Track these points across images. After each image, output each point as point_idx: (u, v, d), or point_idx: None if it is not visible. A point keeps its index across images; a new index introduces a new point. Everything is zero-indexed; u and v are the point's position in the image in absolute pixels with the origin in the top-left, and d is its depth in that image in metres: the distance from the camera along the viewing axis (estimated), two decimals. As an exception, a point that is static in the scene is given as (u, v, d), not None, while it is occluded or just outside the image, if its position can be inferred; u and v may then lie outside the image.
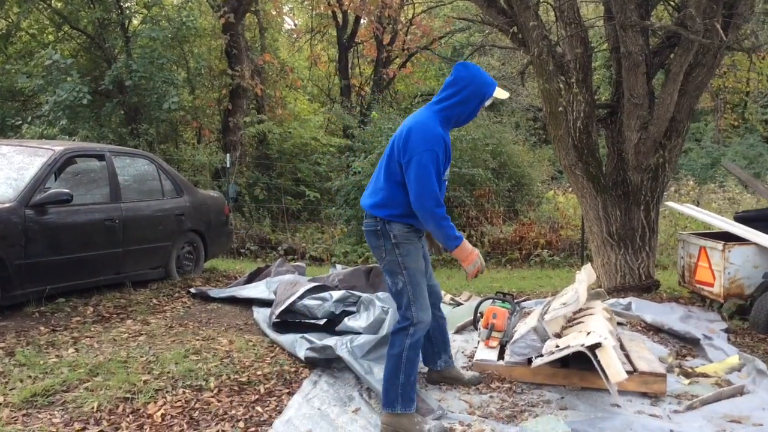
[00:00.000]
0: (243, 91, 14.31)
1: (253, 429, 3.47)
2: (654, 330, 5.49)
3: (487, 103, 3.61)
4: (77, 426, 3.40)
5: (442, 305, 4.22)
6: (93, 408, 3.62)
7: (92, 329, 5.18)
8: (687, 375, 4.40)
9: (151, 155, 7.49)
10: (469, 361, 4.62)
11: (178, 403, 3.74)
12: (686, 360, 4.84)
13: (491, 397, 3.96)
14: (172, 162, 11.91)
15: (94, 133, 11.73)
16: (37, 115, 12.14)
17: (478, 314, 5.29)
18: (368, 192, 3.68)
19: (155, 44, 12.22)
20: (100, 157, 6.48)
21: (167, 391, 3.89)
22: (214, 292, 6.45)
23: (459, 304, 6.31)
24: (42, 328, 5.11)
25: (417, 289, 3.52)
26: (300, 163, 14.80)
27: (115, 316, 5.62)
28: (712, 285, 6.17)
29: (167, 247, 6.93)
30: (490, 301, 5.18)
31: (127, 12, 13.03)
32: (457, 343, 5.10)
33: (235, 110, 14.34)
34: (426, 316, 3.55)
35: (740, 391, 4.01)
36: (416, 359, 3.54)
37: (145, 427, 3.45)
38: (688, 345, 5.17)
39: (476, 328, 5.38)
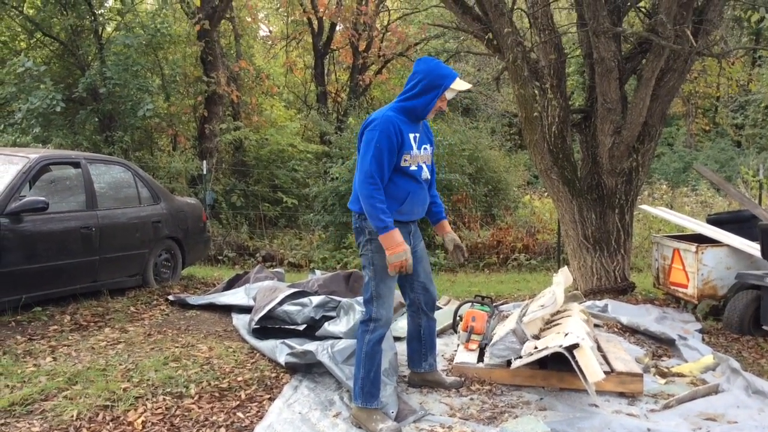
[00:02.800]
0: (219, 97, 14.25)
1: (234, 435, 3.46)
2: (630, 331, 5.57)
3: (449, 95, 3.70)
4: (56, 435, 3.37)
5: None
6: (72, 416, 3.59)
7: (70, 338, 5.13)
8: (663, 375, 4.48)
9: (126, 162, 7.43)
10: (449, 364, 4.65)
11: (159, 410, 3.72)
12: (662, 360, 4.92)
13: (471, 399, 4.00)
14: (147, 169, 11.82)
15: (68, 140, 11.61)
16: (10, 122, 11.99)
17: (458, 318, 5.34)
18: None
19: (129, 51, 12.11)
20: (76, 165, 6.42)
21: (147, 399, 3.87)
22: (193, 299, 6.42)
23: (438, 308, 6.34)
24: (19, 337, 5.05)
25: (382, 287, 3.62)
26: (277, 169, 14.78)
27: (92, 324, 5.57)
28: (686, 286, 6.28)
29: (144, 255, 6.88)
30: (469, 304, 5.22)
31: (101, 19, 12.90)
32: (437, 346, 5.10)
33: (211, 117, 14.28)
34: (386, 314, 3.64)
35: (715, 390, 4.09)
36: (376, 356, 3.62)
37: (125, 434, 3.43)
38: (663, 345, 5.26)
39: (456, 332, 5.42)
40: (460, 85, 3.67)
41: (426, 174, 3.81)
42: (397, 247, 3.47)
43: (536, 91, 6.79)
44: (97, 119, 12.39)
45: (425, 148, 3.79)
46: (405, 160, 3.63)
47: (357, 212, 3.72)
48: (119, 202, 6.78)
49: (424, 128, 3.84)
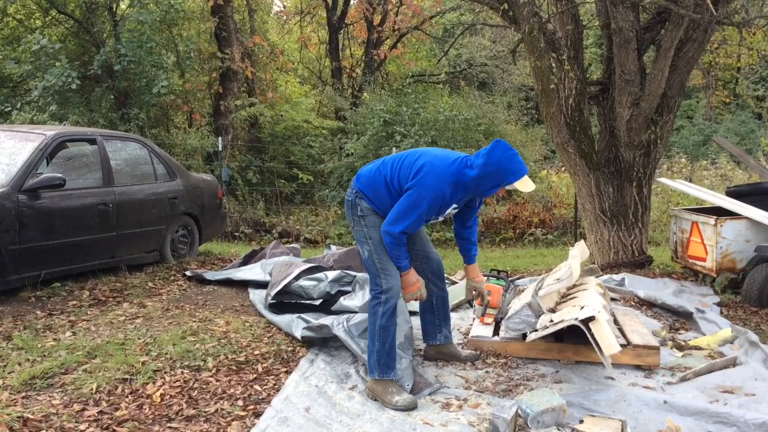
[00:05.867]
0: (233, 74, 14.22)
1: (251, 407, 3.50)
2: (647, 305, 5.54)
3: (509, 188, 3.65)
4: (77, 407, 3.42)
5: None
6: (92, 389, 3.64)
7: (89, 313, 5.19)
8: (680, 348, 4.46)
9: (142, 139, 7.45)
10: (465, 338, 4.65)
11: (177, 383, 3.77)
12: (679, 333, 4.90)
13: (487, 372, 4.01)
14: (163, 146, 11.84)
15: (84, 118, 11.66)
16: (27, 101, 12.06)
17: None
18: (366, 166, 3.90)
19: (143, 28, 12.10)
20: (92, 141, 6.44)
21: (166, 372, 3.92)
22: (210, 275, 6.46)
23: (454, 282, 6.34)
24: (38, 312, 5.12)
25: (383, 258, 3.67)
26: (292, 146, 14.76)
27: (111, 299, 5.63)
28: (704, 260, 6.22)
29: (161, 231, 6.93)
30: (485, 278, 5.21)
31: (115, -5, 12.89)
32: (453, 320, 5.08)
33: (226, 93, 14.27)
34: (395, 283, 3.68)
35: (732, 363, 4.06)
36: (390, 327, 3.67)
37: (144, 407, 3.47)
38: (681, 319, 5.22)
39: (471, 306, 5.42)
40: (524, 186, 3.57)
41: (435, 219, 3.85)
42: (412, 286, 3.73)
43: (553, 63, 6.69)
44: (112, 96, 12.42)
45: (456, 207, 3.79)
46: (430, 218, 3.71)
47: (357, 189, 3.76)
48: (136, 179, 6.81)
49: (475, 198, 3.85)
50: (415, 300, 3.79)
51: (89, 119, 11.78)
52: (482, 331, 4.49)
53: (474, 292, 4.19)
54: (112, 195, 6.31)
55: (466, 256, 4.11)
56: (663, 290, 5.94)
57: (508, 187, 3.62)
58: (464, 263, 4.17)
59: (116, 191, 6.37)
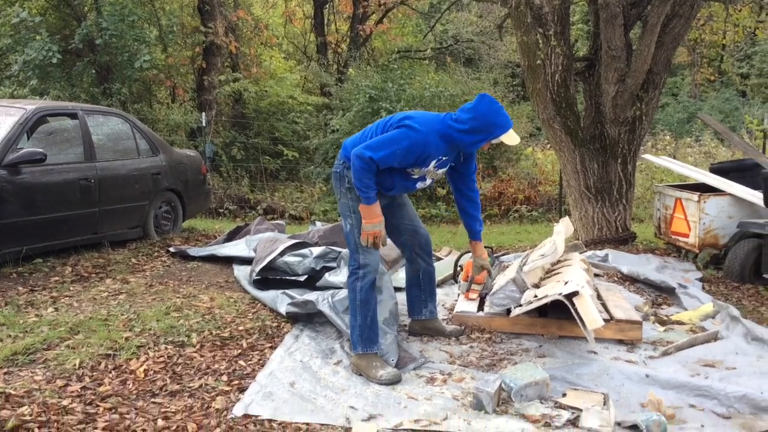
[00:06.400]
0: (217, 48, 14.04)
1: (236, 382, 3.49)
2: (630, 280, 5.58)
3: (494, 141, 3.63)
4: (60, 383, 3.39)
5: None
6: (75, 365, 3.61)
7: (71, 288, 5.14)
8: (662, 322, 4.50)
9: (124, 114, 7.36)
10: (450, 313, 4.67)
11: (161, 359, 3.75)
12: (661, 308, 4.94)
13: (471, 347, 4.03)
14: (146, 122, 11.71)
15: (65, 93, 11.50)
16: (7, 75, 11.86)
17: (458, 268, 5.34)
18: (350, 137, 3.87)
19: (125, 1, 11.89)
20: (73, 116, 6.35)
21: (149, 348, 3.90)
22: (194, 251, 6.42)
23: (439, 259, 6.35)
24: (20, 288, 5.07)
25: None
26: (277, 122, 14.65)
27: (93, 275, 5.58)
28: (687, 236, 6.27)
29: (144, 207, 6.86)
30: (470, 254, 5.21)
31: (96, -33, 12.64)
32: (438, 296, 5.10)
33: (210, 68, 14.10)
34: (373, 260, 3.66)
35: (714, 337, 4.11)
36: (370, 301, 3.66)
37: (128, 382, 3.45)
38: (663, 294, 5.27)
39: (456, 282, 5.43)
40: (509, 139, 3.57)
41: (424, 185, 3.84)
42: (374, 218, 3.56)
43: (539, 39, 6.66)
44: (94, 71, 12.23)
45: (443, 169, 3.76)
46: (412, 170, 3.65)
47: (345, 159, 3.71)
48: (118, 154, 6.73)
49: (458, 155, 3.79)
50: (373, 240, 3.57)
51: (71, 94, 11.61)
52: (467, 306, 4.51)
53: (481, 267, 4.22)
54: (94, 170, 6.23)
55: (471, 231, 4.10)
56: (646, 266, 5.98)
57: (493, 141, 3.61)
58: (469, 239, 4.16)
59: (98, 166, 6.29)
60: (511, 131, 3.56)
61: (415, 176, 3.70)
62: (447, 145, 3.59)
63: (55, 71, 11.63)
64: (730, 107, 19.99)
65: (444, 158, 3.66)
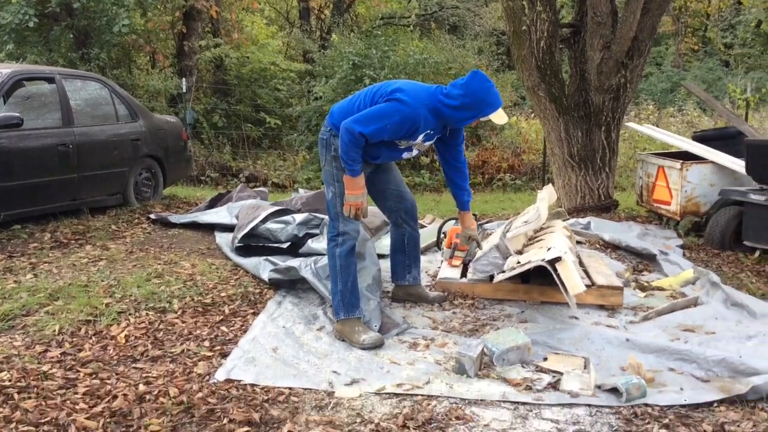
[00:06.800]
0: (197, 13, 13.76)
1: (218, 348, 3.47)
2: (612, 247, 5.61)
3: (483, 119, 3.59)
4: (39, 348, 3.36)
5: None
6: (54, 331, 3.58)
7: (50, 255, 5.08)
8: (643, 288, 4.54)
9: (103, 78, 7.20)
10: (433, 280, 4.67)
11: (142, 325, 3.72)
12: (642, 275, 4.98)
13: (454, 313, 4.04)
14: (126, 88, 11.48)
15: (42, 57, 11.26)
16: (-19, 39, 11.56)
17: (442, 235, 5.32)
18: (338, 102, 3.82)
19: (103, -37, 11.60)
20: (50, 80, 6.22)
21: (130, 314, 3.87)
22: (175, 218, 6.36)
23: (422, 226, 6.34)
24: (-2, 254, 5.01)
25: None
26: (259, 89, 14.47)
27: (73, 242, 5.51)
28: (669, 203, 6.30)
29: (124, 173, 6.76)
30: (453, 221, 5.21)
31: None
32: (421, 263, 5.11)
33: (190, 34, 13.84)
34: (353, 227, 3.65)
35: (694, 303, 4.15)
36: (350, 267, 3.65)
37: (108, 348, 3.43)
38: (644, 261, 5.31)
39: (439, 249, 5.42)
40: (498, 118, 3.53)
41: (411, 155, 3.80)
42: (357, 189, 3.53)
43: (525, 4, 6.58)
44: (72, 36, 11.95)
45: (429, 141, 3.72)
46: (399, 142, 3.60)
47: (331, 126, 3.65)
48: (96, 119, 6.61)
49: (446, 128, 3.73)
50: (355, 212, 3.55)
51: (48, 59, 11.36)
52: (450, 273, 4.51)
53: (470, 238, 4.19)
54: (72, 136, 6.12)
55: (459, 202, 4.07)
56: (627, 233, 6.02)
57: (482, 119, 3.58)
58: (457, 209, 4.14)
59: (76, 132, 6.18)
60: (500, 110, 3.53)
61: (402, 147, 3.67)
62: (436, 119, 3.55)
63: (32, 36, 11.36)
64: (713, 77, 20.03)
65: (432, 131, 3.62)
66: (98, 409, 2.77)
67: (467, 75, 3.52)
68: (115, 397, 2.87)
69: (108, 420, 2.68)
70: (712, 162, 6.09)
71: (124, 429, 2.64)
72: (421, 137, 3.60)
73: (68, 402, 2.82)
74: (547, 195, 4.90)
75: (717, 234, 5.65)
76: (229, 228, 5.84)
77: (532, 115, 12.73)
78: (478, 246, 4.25)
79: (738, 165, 5.87)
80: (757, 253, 5.33)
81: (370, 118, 3.43)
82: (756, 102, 12.55)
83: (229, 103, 13.95)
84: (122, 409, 2.77)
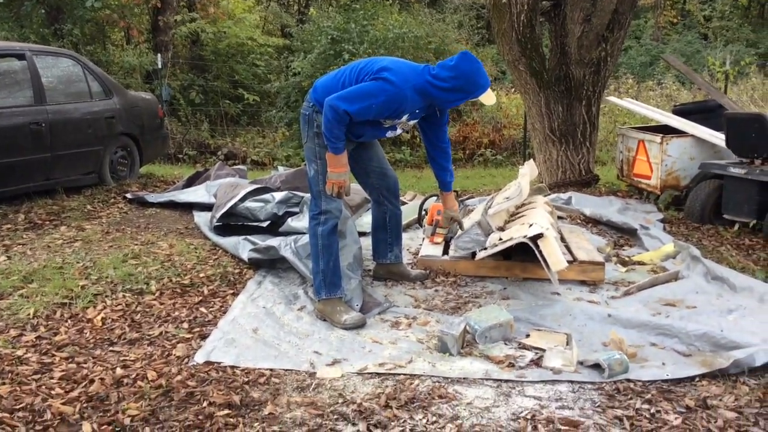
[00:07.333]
0: (172, -14, 13.50)
1: (197, 329, 3.42)
2: (593, 222, 5.61)
3: (471, 100, 3.52)
4: (13, 332, 3.29)
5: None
6: (29, 314, 3.50)
7: (24, 236, 4.98)
8: (624, 263, 4.54)
9: (75, 55, 7.03)
10: (414, 258, 4.63)
11: (119, 307, 3.66)
12: (623, 249, 4.98)
13: (436, 290, 4.01)
14: (100, 64, 11.27)
15: (14, 34, 11.00)
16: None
17: (423, 212, 5.28)
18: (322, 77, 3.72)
19: (73, -66, 11.30)
20: (20, 57, 6.05)
21: (107, 296, 3.80)
22: (152, 197, 6.25)
23: (404, 203, 6.29)
24: (-31, 237, 4.89)
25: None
26: (237, 64, 14.25)
27: (48, 222, 5.40)
28: (649, 177, 6.31)
29: (99, 152, 6.63)
30: (434, 198, 5.16)
31: None
32: (403, 241, 5.08)
33: (165, 8, 13.56)
34: (335, 205, 3.60)
35: (675, 277, 4.15)
36: (332, 246, 3.60)
37: (85, 331, 3.36)
38: (625, 236, 5.31)
39: (421, 226, 5.38)
40: (487, 99, 3.46)
41: (395, 134, 3.73)
42: (340, 167, 3.45)
43: (505, -24, 6.50)
44: (43, 11, 11.68)
45: (414, 120, 3.65)
46: (384, 121, 3.52)
47: (314, 102, 3.56)
48: (69, 97, 6.46)
49: (432, 108, 3.64)
50: (338, 190, 3.48)
51: (20, 35, 11.09)
52: (432, 250, 4.48)
53: (451, 219, 4.13)
54: (45, 114, 5.98)
55: (441, 182, 4.00)
56: (608, 208, 6.02)
57: (471, 100, 3.52)
58: (440, 190, 4.08)
59: (49, 110, 6.04)
60: (489, 91, 3.47)
61: (386, 126, 3.59)
62: (422, 99, 3.46)
63: (2, 11, 11.08)
64: (692, 50, 20.07)
65: (418, 111, 3.56)
66: (74, 393, 2.72)
67: (456, 56, 3.43)
68: (91, 381, 2.82)
69: (85, 405, 2.63)
70: (692, 136, 6.09)
71: (101, 414, 2.58)
72: (405, 117, 3.53)
73: (44, 387, 2.77)
74: (528, 170, 4.88)
75: (697, 207, 5.67)
76: (207, 207, 5.76)
77: (513, 89, 12.68)
78: (460, 227, 4.20)
79: (718, 138, 5.88)
80: (736, 226, 5.36)
81: (355, 96, 3.34)
82: (735, 75, 12.59)
83: (206, 79, 13.74)
84: (99, 393, 2.72)
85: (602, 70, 6.80)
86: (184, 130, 11.81)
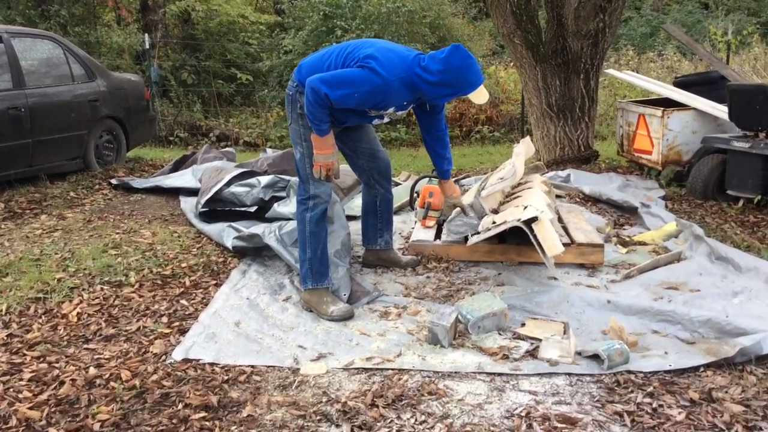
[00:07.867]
0: (160, -36, 13.21)
1: (177, 324, 3.26)
2: (592, 201, 5.45)
3: (461, 96, 3.30)
4: (-17, 331, 3.14)
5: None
6: (1, 311, 3.36)
7: (2, 226, 4.82)
8: (624, 244, 4.37)
9: (56, 36, 6.81)
10: (406, 242, 4.46)
11: (96, 301, 3.50)
12: (624, 229, 4.81)
13: (428, 277, 3.85)
14: (90, 46, 11.06)
15: (-1, 15, 10.75)
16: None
17: (415, 193, 5.10)
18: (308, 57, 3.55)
19: None
20: (-3, 40, 5.85)
21: (83, 289, 3.64)
22: (138, 183, 6.08)
23: (398, 184, 6.11)
24: (-55, 228, 4.73)
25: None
26: (229, 43, 13.96)
27: (28, 211, 5.24)
28: (650, 153, 6.12)
29: (83, 136, 6.44)
30: (427, 179, 4.98)
31: None
32: (394, 224, 4.89)
33: (154, -14, 13.29)
34: (324, 189, 3.44)
35: (677, 258, 3.99)
36: (321, 233, 3.46)
37: (59, 327, 3.21)
38: (626, 214, 5.15)
39: (413, 208, 5.21)
40: (478, 97, 3.23)
41: (381, 122, 3.55)
42: (327, 148, 3.27)
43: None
44: (29, -8, 11.43)
45: (402, 111, 3.43)
46: (369, 111, 3.32)
47: (298, 82, 3.36)
48: (50, 80, 6.26)
49: (421, 100, 3.42)
50: (326, 173, 3.30)
51: (5, 17, 10.85)
52: (424, 235, 4.30)
53: (453, 206, 3.98)
54: (24, 98, 5.79)
55: (440, 171, 3.82)
56: (608, 185, 5.86)
57: (461, 96, 3.30)
58: (438, 179, 3.91)
59: (28, 94, 5.86)
60: (480, 88, 3.23)
61: (372, 115, 3.40)
62: (410, 91, 3.24)
63: (-14, -7, 10.83)
64: (692, 20, 19.73)
65: (405, 103, 3.35)
66: (43, 396, 2.57)
67: (447, 48, 3.20)
68: (62, 383, 2.68)
69: (53, 409, 2.49)
70: (693, 108, 5.90)
71: (69, 419, 2.44)
72: (392, 109, 3.34)
73: (11, 390, 2.63)
74: (523, 149, 4.69)
75: (700, 183, 5.49)
76: (194, 192, 5.59)
77: (511, 63, 12.42)
78: (464, 213, 4.01)
79: (721, 111, 5.68)
80: (740, 203, 5.18)
81: (338, 81, 3.13)
82: (737, 45, 12.32)
83: (198, 59, 13.47)
84: (69, 396, 2.57)
85: (600, 42, 6.58)
86: (175, 111, 11.59)
